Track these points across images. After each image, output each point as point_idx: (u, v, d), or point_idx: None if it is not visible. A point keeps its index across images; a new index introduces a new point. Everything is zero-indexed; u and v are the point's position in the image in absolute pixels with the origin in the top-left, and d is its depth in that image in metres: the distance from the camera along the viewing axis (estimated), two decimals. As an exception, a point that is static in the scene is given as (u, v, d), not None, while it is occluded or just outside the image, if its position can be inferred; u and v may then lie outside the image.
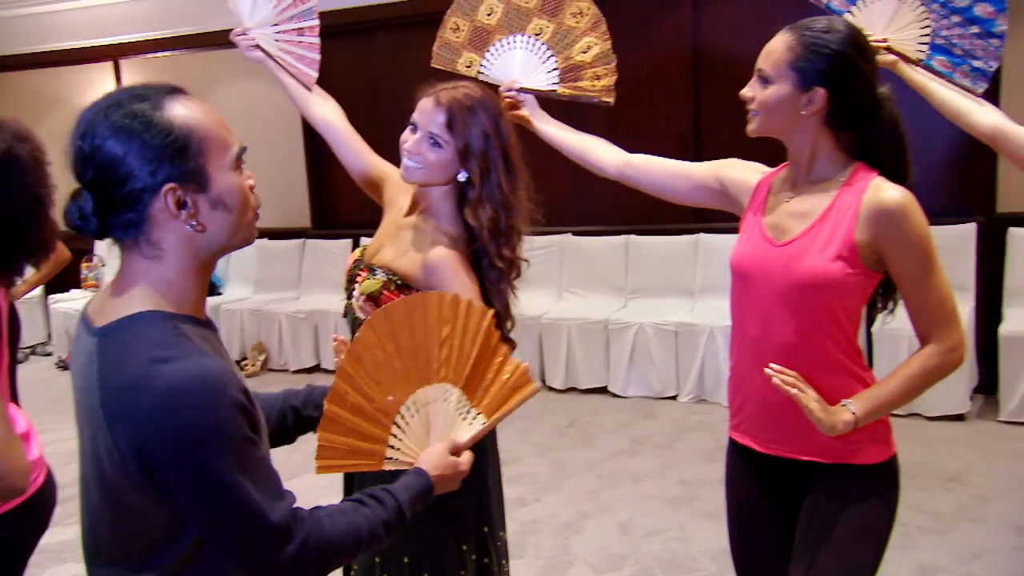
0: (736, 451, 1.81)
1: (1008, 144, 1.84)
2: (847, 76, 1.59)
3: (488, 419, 1.43)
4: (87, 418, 1.12)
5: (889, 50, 1.96)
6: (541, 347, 5.10)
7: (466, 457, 1.39)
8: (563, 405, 4.83)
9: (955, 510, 3.32)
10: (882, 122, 1.63)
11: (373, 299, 1.83)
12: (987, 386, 4.37)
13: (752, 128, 1.70)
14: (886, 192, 1.58)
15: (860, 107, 1.62)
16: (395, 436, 1.38)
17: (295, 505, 1.15)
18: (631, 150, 1.95)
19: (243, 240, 1.19)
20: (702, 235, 5.02)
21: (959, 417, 4.16)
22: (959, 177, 4.57)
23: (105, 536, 1.15)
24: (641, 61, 5.01)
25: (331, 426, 1.35)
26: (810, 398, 1.55)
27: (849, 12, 2.00)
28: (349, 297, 1.92)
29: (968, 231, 4.42)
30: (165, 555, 1.12)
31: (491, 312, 1.42)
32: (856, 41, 1.60)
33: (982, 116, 1.88)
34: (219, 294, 6.49)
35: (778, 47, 1.64)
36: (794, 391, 1.55)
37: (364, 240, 1.71)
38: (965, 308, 4.28)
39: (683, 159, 1.91)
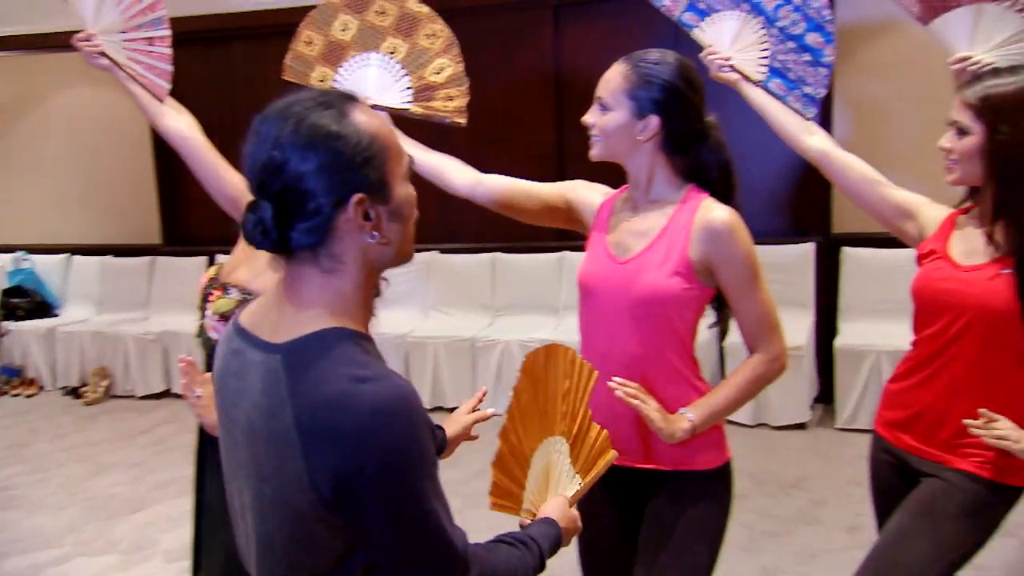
0: None
1: (833, 168, 2.03)
2: (678, 105, 1.72)
3: (583, 480, 1.42)
4: (266, 438, 1.06)
5: (732, 68, 2.13)
6: (407, 366, 5.11)
7: (576, 511, 1.39)
8: (427, 424, 4.86)
9: (795, 514, 3.56)
10: (711, 148, 1.77)
11: (226, 318, 1.81)
12: (826, 396, 4.72)
13: (594, 153, 1.81)
14: (715, 212, 1.70)
15: (690, 133, 1.75)
16: (528, 483, 1.37)
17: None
18: (496, 172, 2.01)
19: (409, 254, 1.17)
20: (566, 253, 5.17)
21: (801, 426, 4.47)
22: (799, 200, 4.94)
23: (279, 561, 1.09)
24: (505, 84, 5.15)
25: (503, 466, 1.35)
26: (651, 408, 1.65)
27: (699, 28, 2.16)
28: (202, 316, 1.89)
29: (807, 251, 4.78)
30: None
31: (595, 372, 1.43)
32: (685, 73, 1.73)
33: (812, 140, 2.05)
34: (55, 315, 6.14)
35: (615, 77, 1.75)
36: (636, 402, 1.64)
37: (221, 258, 1.67)
38: (805, 323, 4.63)
39: (548, 180, 1.99)
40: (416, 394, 1.06)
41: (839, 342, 4.51)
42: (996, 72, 1.77)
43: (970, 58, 1.98)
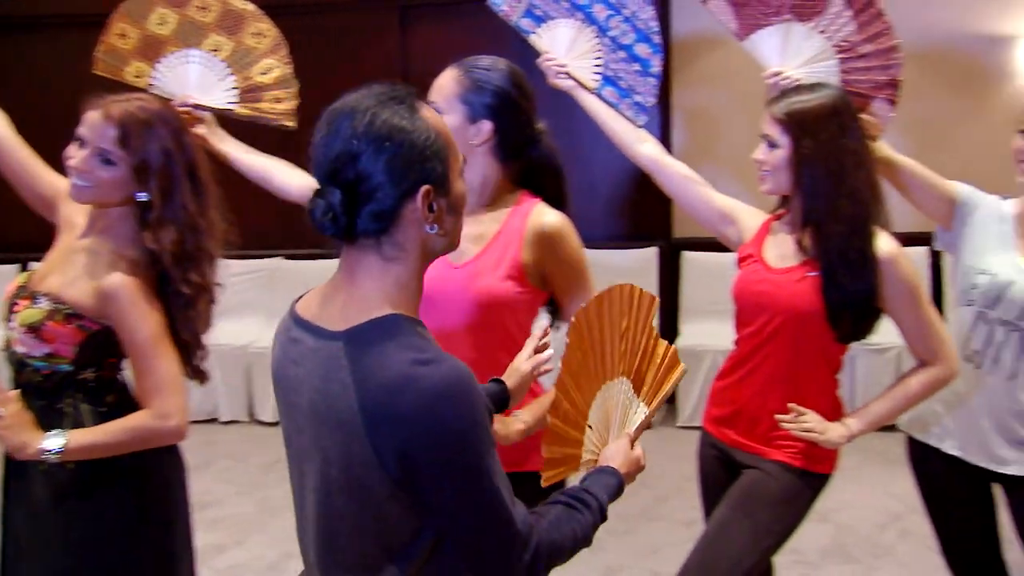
0: None
1: (663, 174, 2.13)
2: (509, 110, 1.76)
3: (649, 407, 1.45)
4: (330, 422, 1.11)
5: (568, 75, 2.19)
6: (249, 378, 4.94)
7: (640, 450, 1.41)
8: (272, 440, 4.70)
9: (639, 511, 3.71)
10: (542, 153, 1.82)
11: (34, 330, 1.70)
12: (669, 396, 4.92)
13: None
14: (546, 217, 1.75)
15: (522, 139, 1.80)
16: (586, 436, 1.40)
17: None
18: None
19: (456, 245, 1.24)
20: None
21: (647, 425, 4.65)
22: (642, 206, 5.14)
23: (344, 542, 1.14)
24: (350, 86, 5.07)
25: (553, 439, 1.36)
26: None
27: (536, 34, 2.21)
28: (8, 329, 1.77)
29: (650, 255, 4.98)
30: (403, 560, 1.12)
31: (656, 298, 1.44)
32: (516, 80, 1.78)
33: (643, 147, 2.15)
34: None
35: (447, 82, 1.77)
36: None
37: (35, 264, 1.58)
38: (649, 325, 4.82)
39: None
40: (472, 375, 1.11)
41: (679, 343, 4.72)
42: (799, 89, 1.91)
43: (781, 73, 2.13)
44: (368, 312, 1.14)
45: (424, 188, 1.14)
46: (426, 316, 1.82)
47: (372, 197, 1.12)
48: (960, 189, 2.04)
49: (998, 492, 2.05)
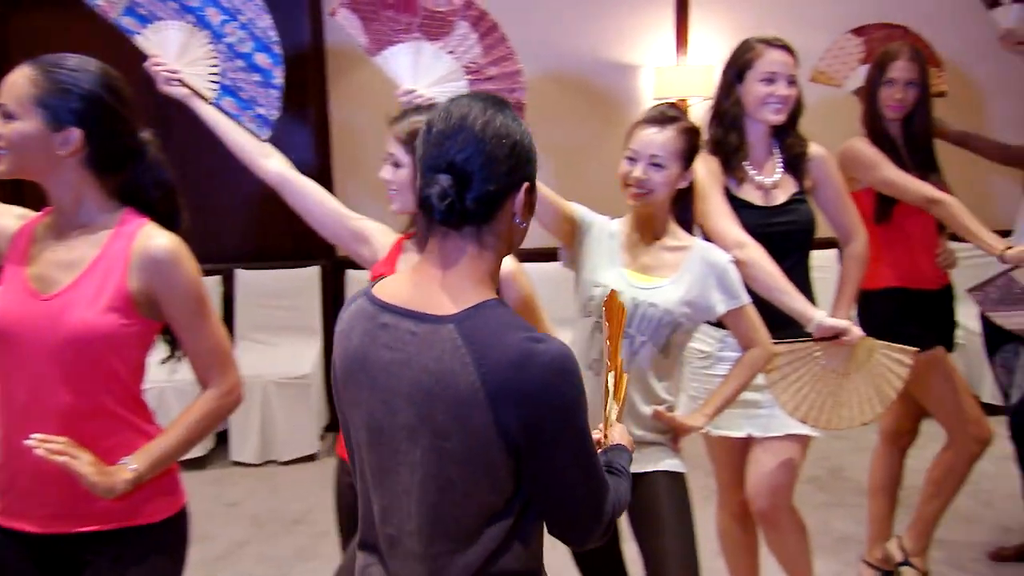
0: (8, 539, 1.65)
1: (291, 191, 2.07)
2: (103, 117, 1.60)
3: (618, 403, 1.63)
4: (446, 399, 1.22)
5: (181, 83, 2.04)
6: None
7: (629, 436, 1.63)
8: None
9: (294, 552, 3.56)
10: (148, 166, 1.68)
11: None
12: (336, 424, 4.84)
13: (1, 169, 1.61)
14: (156, 239, 1.62)
15: (121, 149, 1.65)
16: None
17: None
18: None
19: (521, 243, 1.37)
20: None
21: (311, 457, 4.47)
22: (302, 224, 5.02)
23: (451, 510, 1.25)
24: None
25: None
26: (83, 463, 1.50)
27: (141, 35, 2.03)
28: None
29: (313, 274, 4.88)
30: (497, 527, 1.26)
31: (625, 309, 1.68)
32: (109, 82, 1.62)
33: (269, 163, 2.07)
34: None
35: (20, 81, 1.57)
36: (64, 458, 1.48)
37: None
38: (313, 350, 4.69)
39: None
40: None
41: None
42: (419, 109, 1.96)
43: (414, 91, 2.17)
44: (468, 297, 1.27)
45: (526, 184, 1.30)
46: (7, 359, 1.60)
47: (485, 187, 1.26)
48: (578, 209, 2.20)
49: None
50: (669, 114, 2.09)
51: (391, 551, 1.32)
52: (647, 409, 2.09)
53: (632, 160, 2.08)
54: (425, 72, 2.18)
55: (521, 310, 1.89)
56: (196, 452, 4.24)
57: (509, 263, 1.90)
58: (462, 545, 1.27)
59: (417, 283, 1.31)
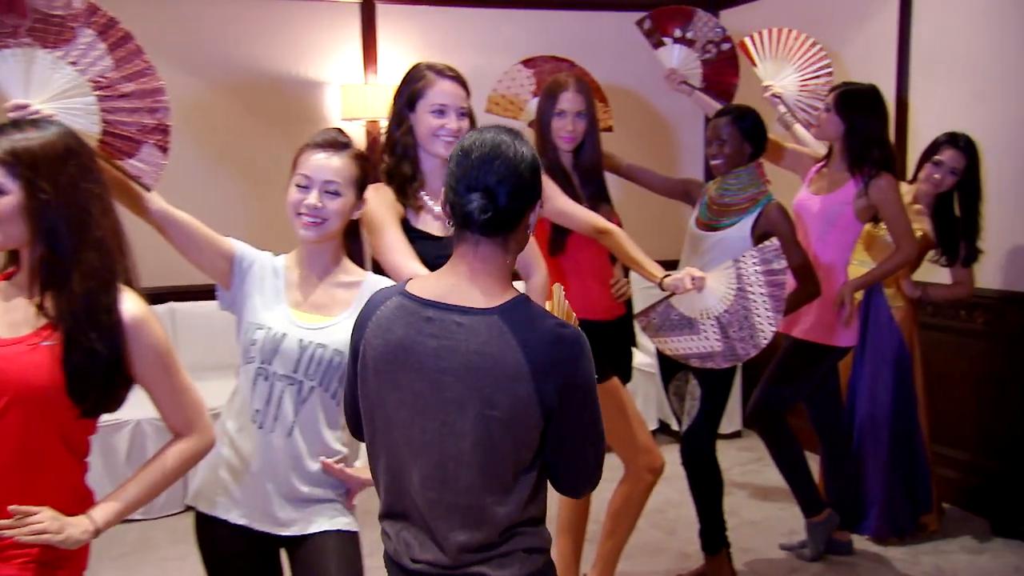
0: None
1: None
2: None
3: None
4: (495, 374, 1.54)
5: None
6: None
7: None
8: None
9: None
10: None
11: None
12: None
13: None
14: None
15: None
16: None
17: None
18: None
19: None
20: None
21: None
22: None
23: (496, 468, 1.57)
24: None
25: None
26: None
27: None
28: None
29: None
30: (525, 480, 1.60)
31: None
32: None
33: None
34: None
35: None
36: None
37: None
38: None
39: None
40: None
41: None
42: (20, 125, 1.68)
43: (28, 107, 1.88)
44: (504, 294, 1.60)
45: (540, 200, 1.64)
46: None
47: (515, 203, 1.57)
48: (236, 245, 2.02)
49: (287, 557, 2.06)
50: (341, 140, 2.01)
51: (433, 511, 1.59)
52: (315, 464, 1.97)
53: (304, 187, 1.97)
54: (41, 84, 1.88)
55: (153, 359, 1.72)
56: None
57: (136, 307, 1.70)
58: (503, 497, 1.58)
59: (452, 283, 1.61)
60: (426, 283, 1.65)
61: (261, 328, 1.96)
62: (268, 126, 4.63)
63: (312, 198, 1.95)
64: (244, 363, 1.99)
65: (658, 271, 2.69)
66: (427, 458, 1.57)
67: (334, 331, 1.97)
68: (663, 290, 2.73)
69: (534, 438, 1.58)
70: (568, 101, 2.83)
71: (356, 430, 1.75)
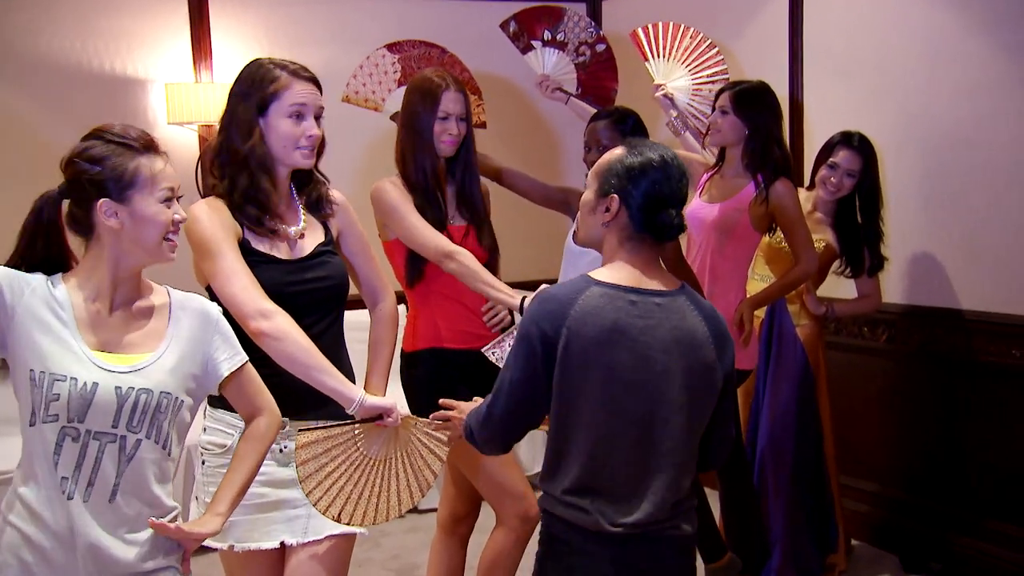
0: None
1: None
2: None
3: None
4: (692, 345, 1.88)
5: None
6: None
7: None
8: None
9: None
10: None
11: None
12: None
13: None
14: None
15: None
16: None
17: None
18: None
19: None
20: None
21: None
22: None
23: (691, 437, 1.91)
24: None
25: None
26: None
27: None
28: None
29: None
30: (695, 447, 1.95)
31: None
32: None
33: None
34: None
35: None
36: None
37: None
38: None
39: None
40: None
41: None
42: None
43: None
44: (672, 279, 1.94)
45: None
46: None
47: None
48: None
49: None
50: (157, 144, 1.86)
51: (641, 474, 1.85)
52: (145, 531, 1.78)
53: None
54: None
55: None
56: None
57: None
58: (692, 460, 1.92)
59: (639, 274, 1.89)
60: (614, 273, 1.91)
61: (62, 380, 1.70)
62: (76, 132, 4.20)
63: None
64: (39, 422, 1.71)
65: (513, 296, 2.48)
66: (638, 427, 1.85)
67: (155, 369, 1.77)
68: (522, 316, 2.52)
69: (711, 404, 1.93)
70: (451, 102, 2.65)
71: (515, 438, 2.00)
